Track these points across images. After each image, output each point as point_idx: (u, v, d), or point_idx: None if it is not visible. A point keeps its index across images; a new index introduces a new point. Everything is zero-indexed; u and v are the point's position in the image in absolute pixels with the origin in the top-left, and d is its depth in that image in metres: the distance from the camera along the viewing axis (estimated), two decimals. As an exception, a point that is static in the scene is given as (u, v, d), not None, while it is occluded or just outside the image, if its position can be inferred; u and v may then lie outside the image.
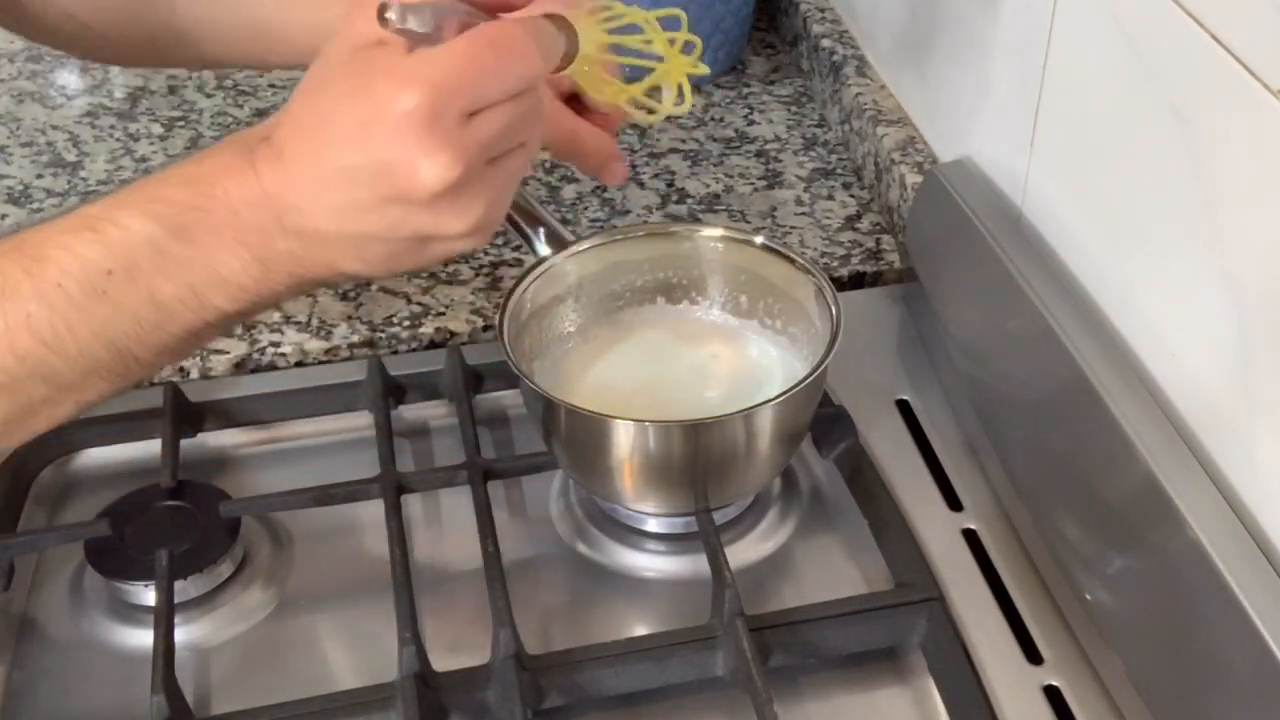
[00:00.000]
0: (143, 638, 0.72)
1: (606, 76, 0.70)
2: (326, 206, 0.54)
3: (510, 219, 0.84)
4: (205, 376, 0.90)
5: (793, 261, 0.80)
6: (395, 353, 0.92)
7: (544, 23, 0.58)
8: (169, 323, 0.55)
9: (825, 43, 1.15)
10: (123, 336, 0.55)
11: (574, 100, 0.76)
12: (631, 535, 0.79)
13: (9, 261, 0.53)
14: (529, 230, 0.84)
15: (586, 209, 1.04)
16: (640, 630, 0.75)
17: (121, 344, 0.55)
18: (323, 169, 0.53)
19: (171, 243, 0.53)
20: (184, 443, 0.82)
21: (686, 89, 0.72)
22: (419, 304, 0.95)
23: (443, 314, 0.94)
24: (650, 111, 0.73)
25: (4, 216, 1.04)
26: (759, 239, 0.82)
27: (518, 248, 0.99)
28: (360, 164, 0.52)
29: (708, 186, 1.07)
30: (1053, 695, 0.70)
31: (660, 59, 0.71)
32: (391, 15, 0.52)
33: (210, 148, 0.56)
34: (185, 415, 0.84)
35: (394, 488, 0.78)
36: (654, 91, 0.72)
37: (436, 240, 0.56)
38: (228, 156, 0.54)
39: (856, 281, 0.99)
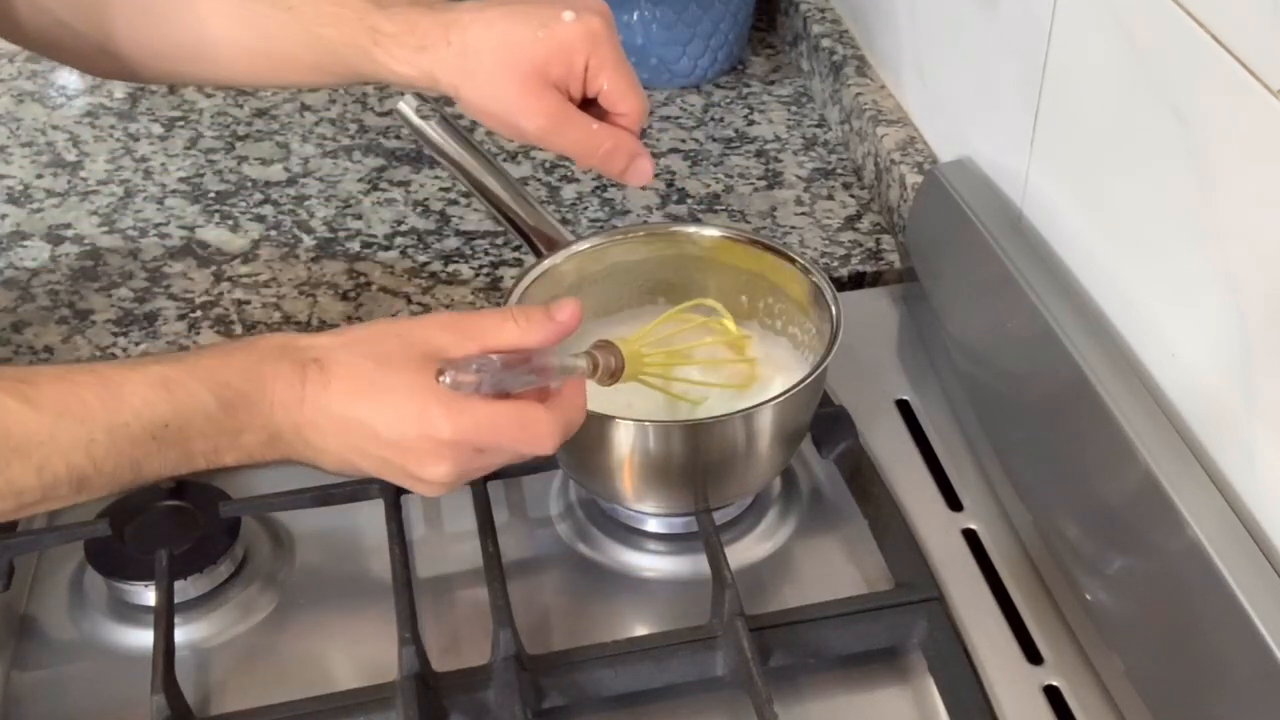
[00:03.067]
0: (143, 638, 0.72)
1: (673, 381, 0.77)
2: (341, 440, 0.64)
3: (510, 219, 0.85)
4: (205, 376, 0.90)
5: (793, 261, 0.80)
6: (395, 353, 0.92)
7: (574, 400, 0.67)
8: (183, 466, 0.64)
9: (825, 43, 1.15)
10: (147, 469, 0.62)
11: (593, 105, 0.76)
12: (631, 535, 0.79)
13: (90, 391, 0.61)
14: (529, 230, 0.84)
15: (586, 209, 1.04)
16: (640, 630, 0.75)
17: (143, 474, 0.63)
18: (354, 417, 0.63)
19: (221, 415, 0.63)
20: (184, 443, 0.82)
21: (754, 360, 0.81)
22: (419, 304, 0.95)
23: (443, 314, 0.94)
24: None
25: (4, 216, 1.04)
26: (759, 239, 0.82)
27: (518, 248, 0.99)
28: (386, 435, 0.63)
29: (708, 186, 1.07)
30: (1053, 695, 0.70)
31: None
32: (445, 380, 0.63)
33: (266, 342, 0.65)
34: (185, 415, 0.84)
35: (394, 488, 0.77)
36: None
37: (423, 474, 0.65)
38: (285, 367, 0.64)
39: (856, 281, 0.99)
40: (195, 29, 0.79)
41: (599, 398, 0.70)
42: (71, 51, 0.83)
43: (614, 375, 0.70)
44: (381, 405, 0.63)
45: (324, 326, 0.93)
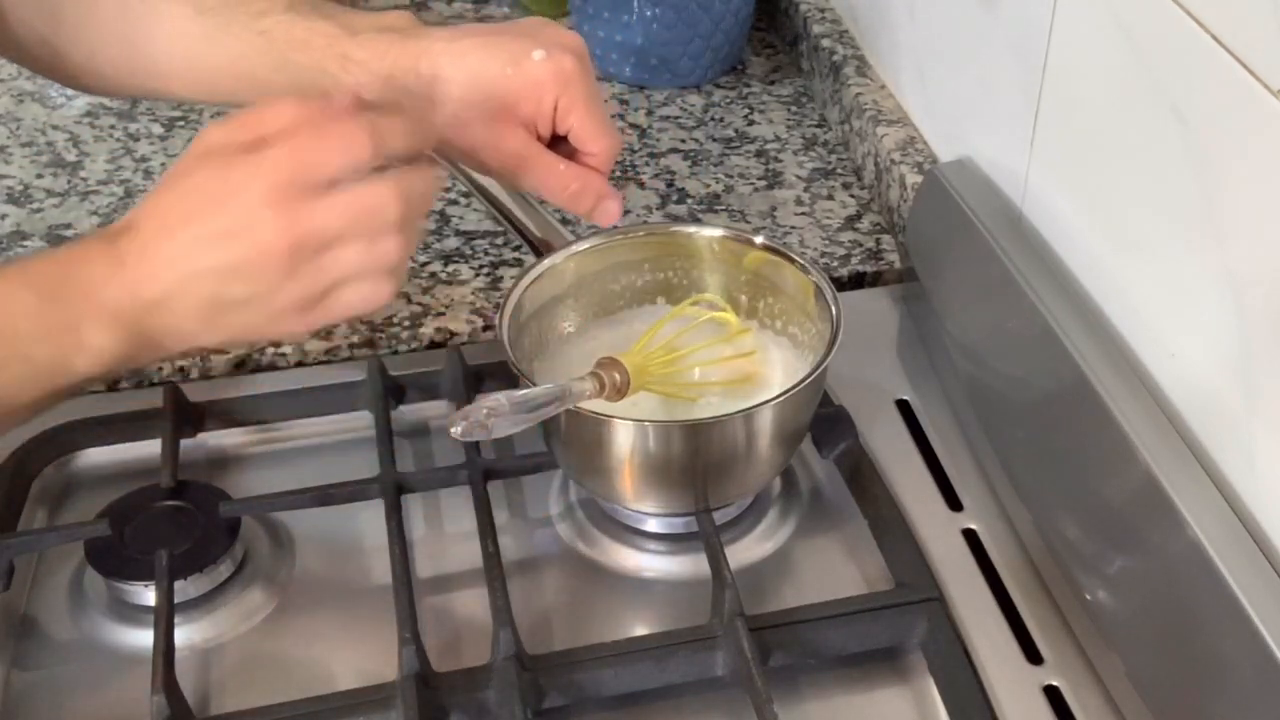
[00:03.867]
0: (143, 638, 0.72)
1: (679, 386, 0.78)
2: (180, 286, 0.62)
3: (509, 219, 0.85)
4: (205, 376, 0.90)
5: (793, 261, 0.80)
6: (395, 353, 0.92)
7: (389, 120, 0.64)
8: (42, 381, 0.62)
9: (825, 43, 1.15)
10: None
11: (563, 143, 0.76)
12: (631, 535, 0.79)
13: None
14: (528, 230, 0.84)
15: (586, 209, 1.04)
16: (640, 630, 0.75)
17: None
18: (180, 248, 0.62)
19: (46, 309, 0.61)
20: (184, 443, 0.82)
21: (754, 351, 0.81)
22: (419, 304, 0.95)
23: (443, 314, 0.94)
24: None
25: (4, 216, 1.04)
26: (759, 239, 0.82)
27: (518, 248, 0.99)
28: (208, 230, 0.61)
29: (708, 186, 1.07)
30: (1053, 695, 0.70)
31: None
32: (457, 431, 0.63)
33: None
34: (185, 415, 0.84)
35: (394, 488, 0.78)
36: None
37: (276, 299, 0.63)
38: (94, 241, 0.62)
39: (856, 281, 0.99)
40: (168, 49, 0.79)
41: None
42: (54, 67, 0.83)
43: (621, 391, 0.72)
44: (190, 202, 0.62)
45: (324, 326, 0.93)
